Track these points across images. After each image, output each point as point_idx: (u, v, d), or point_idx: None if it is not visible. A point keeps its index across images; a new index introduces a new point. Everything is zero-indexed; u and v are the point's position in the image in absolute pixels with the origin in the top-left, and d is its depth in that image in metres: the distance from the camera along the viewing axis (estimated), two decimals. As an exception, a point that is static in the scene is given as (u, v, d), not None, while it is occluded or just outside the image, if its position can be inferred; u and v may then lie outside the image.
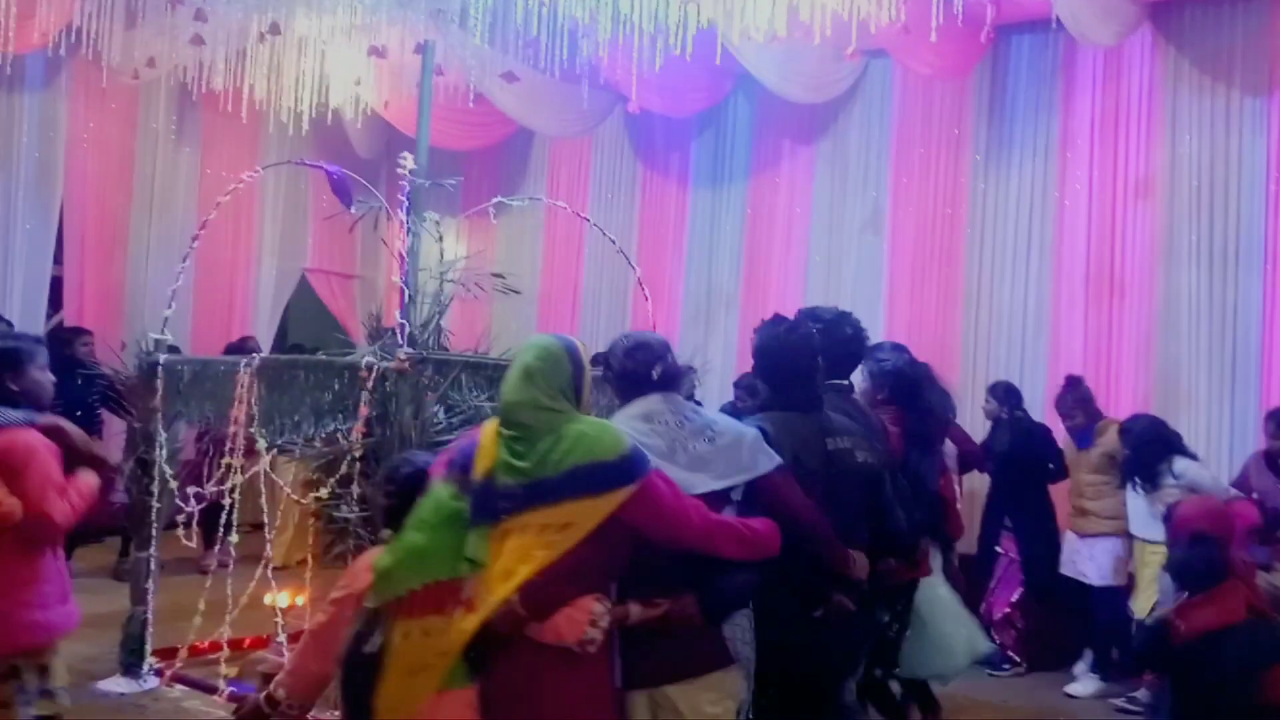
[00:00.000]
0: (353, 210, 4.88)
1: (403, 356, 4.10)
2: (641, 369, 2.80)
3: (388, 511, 2.79)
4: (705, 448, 2.73)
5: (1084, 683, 5.61)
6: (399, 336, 4.30)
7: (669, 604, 2.59)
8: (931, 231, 7.40)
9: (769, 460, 2.79)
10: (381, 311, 4.88)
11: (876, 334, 7.12)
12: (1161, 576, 4.65)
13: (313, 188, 9.24)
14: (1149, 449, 5.30)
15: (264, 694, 2.84)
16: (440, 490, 2.58)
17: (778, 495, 2.79)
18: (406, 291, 4.50)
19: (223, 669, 4.64)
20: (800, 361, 3.12)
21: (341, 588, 2.78)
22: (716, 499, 2.70)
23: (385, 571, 2.55)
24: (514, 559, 2.44)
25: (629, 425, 2.69)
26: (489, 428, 2.62)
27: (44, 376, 3.34)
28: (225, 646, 4.71)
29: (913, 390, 4.15)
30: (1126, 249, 6.70)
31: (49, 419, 3.29)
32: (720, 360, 8.03)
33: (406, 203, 4.65)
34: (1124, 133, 6.75)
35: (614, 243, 5.76)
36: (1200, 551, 3.74)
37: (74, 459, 3.29)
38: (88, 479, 3.29)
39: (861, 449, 3.18)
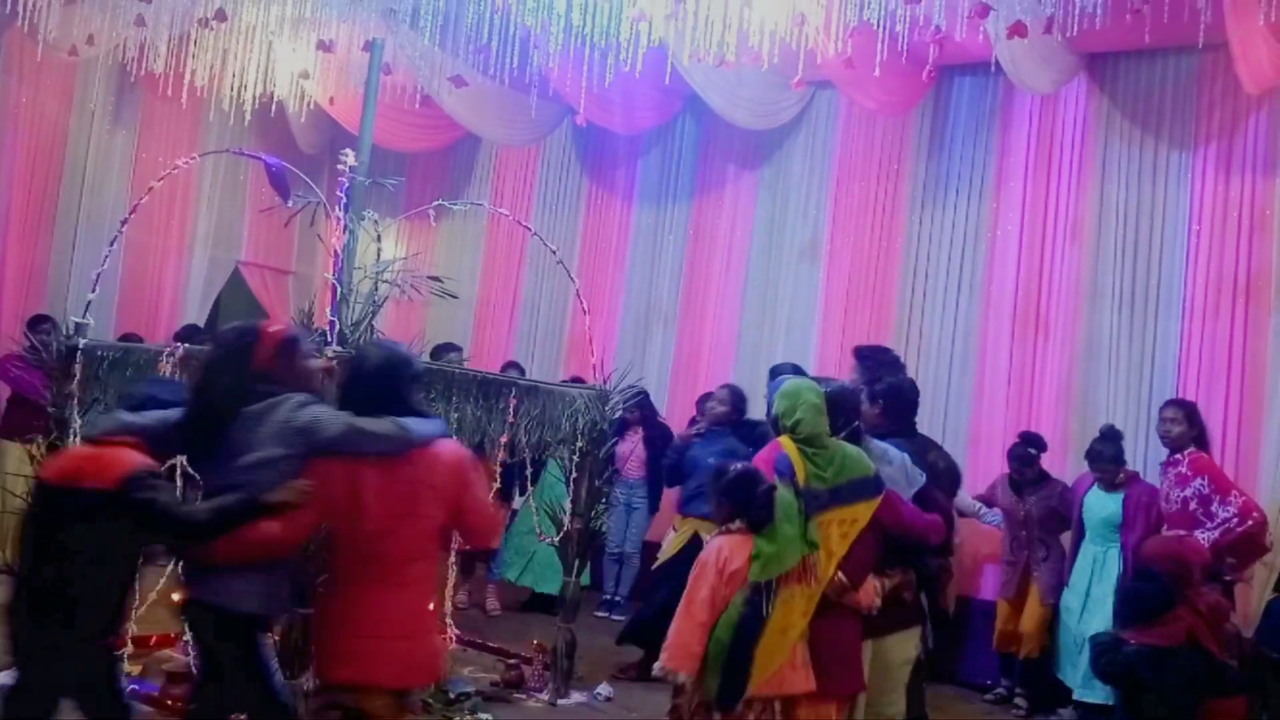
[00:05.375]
0: (290, 204, 4.80)
1: (330, 355, 4.05)
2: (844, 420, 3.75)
3: (733, 509, 3.51)
4: (889, 469, 3.76)
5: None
6: (329, 335, 4.24)
7: (900, 577, 3.71)
8: (867, 262, 7.52)
9: (921, 476, 3.87)
10: (314, 309, 4.78)
11: (809, 359, 7.25)
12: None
13: (252, 179, 9.06)
14: None
15: (675, 686, 3.36)
16: (785, 493, 3.44)
17: (934, 500, 3.91)
18: (339, 289, 4.44)
19: (126, 666, 4.51)
20: (915, 401, 4.32)
21: (722, 568, 3.39)
22: None
23: (775, 555, 3.38)
24: (831, 545, 3.51)
25: None
26: (790, 445, 3.57)
27: None
28: (129, 643, 4.59)
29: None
30: (1053, 289, 6.88)
31: None
32: (656, 376, 8.07)
33: (345, 200, 4.59)
34: (1056, 177, 6.94)
35: (555, 253, 5.74)
36: (1147, 587, 4.10)
37: None
38: None
39: (942, 458, 4.30)
